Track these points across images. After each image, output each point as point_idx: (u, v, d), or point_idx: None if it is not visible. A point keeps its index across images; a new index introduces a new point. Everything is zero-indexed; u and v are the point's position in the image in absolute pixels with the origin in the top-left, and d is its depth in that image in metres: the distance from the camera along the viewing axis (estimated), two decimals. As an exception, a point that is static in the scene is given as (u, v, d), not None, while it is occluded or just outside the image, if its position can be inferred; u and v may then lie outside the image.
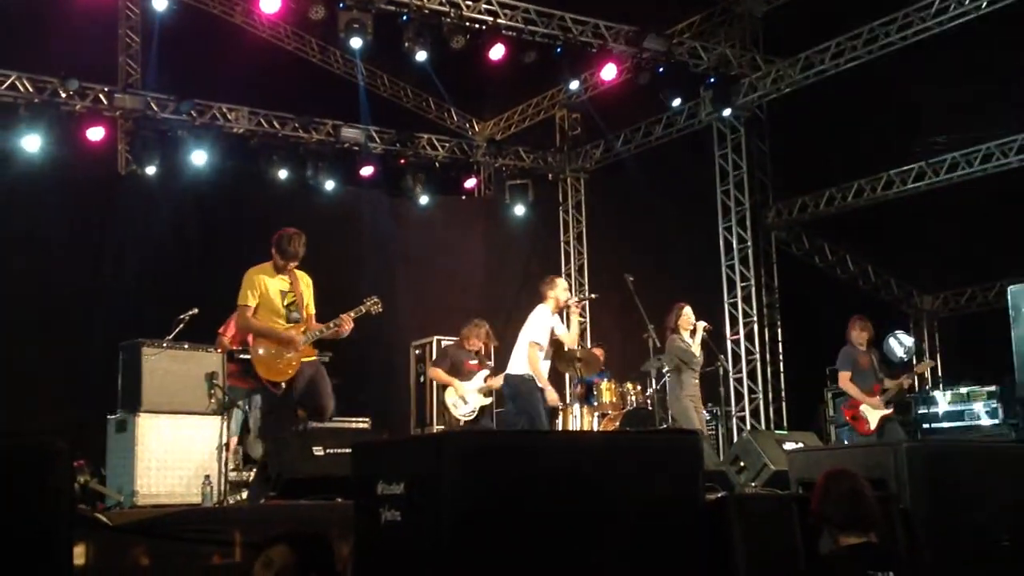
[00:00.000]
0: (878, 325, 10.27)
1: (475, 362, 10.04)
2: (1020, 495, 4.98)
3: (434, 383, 11.60)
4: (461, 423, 9.77)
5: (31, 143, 11.76)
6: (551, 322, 8.84)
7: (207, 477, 7.16)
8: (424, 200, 14.56)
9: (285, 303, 7.23)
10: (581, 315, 9.17)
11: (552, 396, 8.80)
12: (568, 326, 9.01)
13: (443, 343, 11.78)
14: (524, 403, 8.69)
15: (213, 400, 7.56)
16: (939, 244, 13.89)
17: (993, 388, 11.88)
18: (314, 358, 7.33)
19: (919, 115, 12.83)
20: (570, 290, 8.93)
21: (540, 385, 8.68)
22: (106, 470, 7.71)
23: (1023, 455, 5.58)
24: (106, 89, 12.33)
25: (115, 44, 13.11)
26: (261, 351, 7.17)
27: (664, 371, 10.10)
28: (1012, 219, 12.44)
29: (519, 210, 15.36)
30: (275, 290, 7.22)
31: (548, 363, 8.96)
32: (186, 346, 8.00)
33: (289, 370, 7.17)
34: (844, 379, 9.81)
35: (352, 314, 7.43)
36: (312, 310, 7.41)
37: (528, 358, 8.74)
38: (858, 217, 14.12)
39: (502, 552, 3.65)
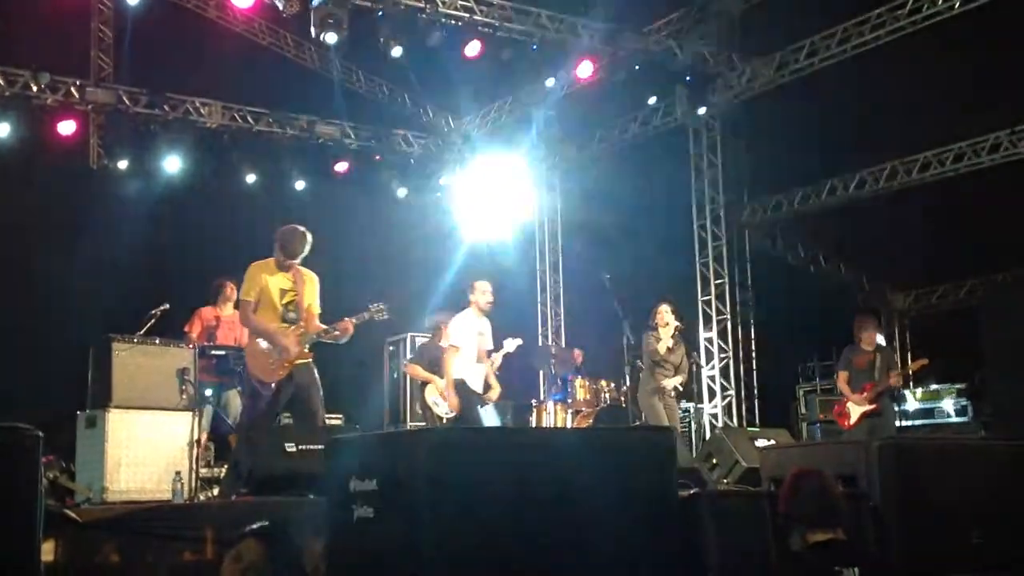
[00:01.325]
0: (850, 324, 10.35)
1: (451, 358, 10.02)
2: (989, 492, 5.03)
3: (408, 379, 11.58)
4: (444, 420, 9.74)
5: (1, 136, 11.64)
6: (476, 326, 8.81)
7: (178, 473, 7.12)
8: (399, 196, 14.51)
9: (283, 302, 7.16)
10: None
11: (452, 402, 8.85)
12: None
13: (417, 340, 11.76)
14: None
15: (184, 396, 7.51)
16: (911, 243, 13.99)
17: (963, 386, 11.98)
18: (308, 361, 7.25)
19: (892, 114, 12.90)
20: (492, 293, 8.91)
21: (471, 388, 8.73)
22: (75, 466, 7.64)
23: (992, 452, 5.63)
24: (78, 83, 12.21)
25: (87, 38, 13.00)
26: (261, 345, 7.13)
27: (638, 368, 10.14)
28: (983, 218, 12.56)
29: (494, 207, 15.32)
30: (275, 288, 7.15)
31: (481, 367, 8.89)
32: (157, 341, 7.94)
33: (280, 371, 7.12)
34: (840, 380, 10.04)
35: (355, 320, 7.38)
36: (316, 310, 7.34)
37: (444, 361, 8.80)
38: (832, 215, 14.20)
39: (475, 548, 3.65)
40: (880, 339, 10.35)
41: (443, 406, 9.80)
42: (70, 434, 7.75)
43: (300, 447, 6.43)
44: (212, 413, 9.03)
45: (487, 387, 9.06)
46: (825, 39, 12.04)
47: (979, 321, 10.13)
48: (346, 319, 7.32)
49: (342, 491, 3.99)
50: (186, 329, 9.46)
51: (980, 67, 11.70)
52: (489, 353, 9.07)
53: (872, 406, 9.70)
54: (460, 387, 8.74)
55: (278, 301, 7.15)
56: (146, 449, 7.44)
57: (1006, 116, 12.02)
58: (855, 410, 9.77)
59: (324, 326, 7.29)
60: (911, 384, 12.77)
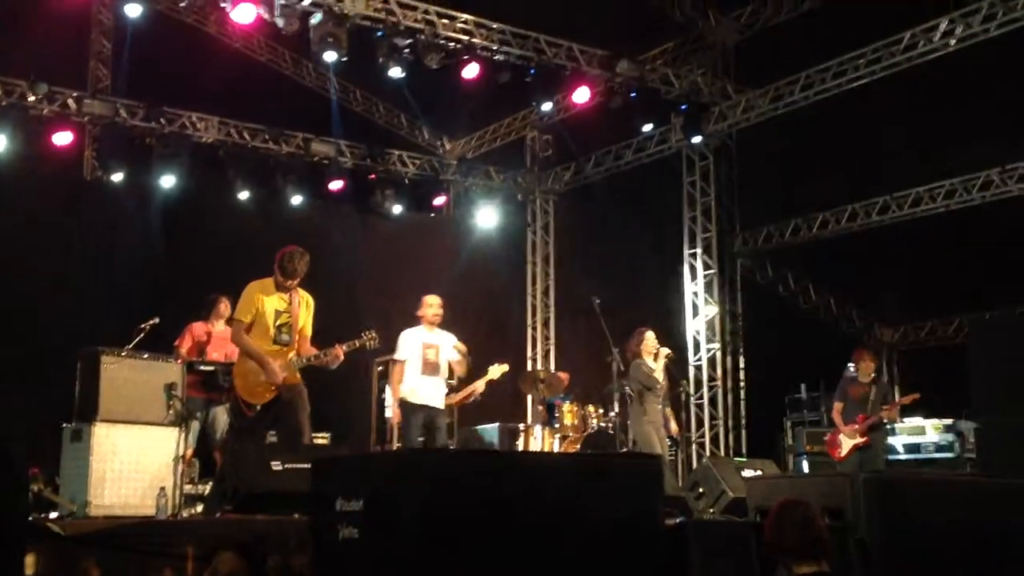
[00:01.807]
0: (838, 356, 10.39)
1: (437, 381, 10.01)
2: (975, 528, 5.03)
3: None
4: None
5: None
6: (422, 339, 8.83)
7: (162, 489, 7.08)
8: (393, 216, 14.53)
9: (277, 323, 7.19)
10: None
11: (395, 415, 8.97)
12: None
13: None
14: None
15: (171, 411, 7.48)
16: (901, 278, 14.05)
17: (950, 421, 12.00)
18: (296, 383, 7.25)
19: (885, 149, 13.00)
20: (441, 307, 9.00)
21: (412, 403, 8.75)
22: (60, 479, 7.60)
23: (979, 488, 5.63)
24: (75, 94, 12.21)
25: (86, 49, 13.01)
26: (250, 364, 7.12)
27: (627, 395, 10.13)
28: (972, 255, 12.62)
29: (487, 230, 15.37)
30: (270, 309, 7.18)
31: (431, 379, 8.85)
32: (146, 356, 7.91)
33: (267, 394, 7.12)
34: (835, 410, 10.14)
35: (345, 347, 7.41)
36: (309, 332, 7.36)
37: (391, 375, 8.93)
38: (822, 248, 14.25)
39: (461, 571, 3.64)
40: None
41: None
42: (56, 446, 7.71)
43: (286, 465, 6.41)
44: (198, 429, 9.00)
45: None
46: (820, 72, 12.12)
47: (965, 357, 10.17)
48: (337, 346, 7.35)
49: (327, 511, 3.98)
50: (176, 344, 9.43)
51: (973, 104, 11.79)
52: (459, 370, 9.04)
53: (864, 439, 9.74)
54: (401, 403, 8.83)
55: (272, 323, 7.16)
56: (131, 464, 7.40)
57: (997, 154, 12.11)
58: (846, 442, 9.84)
59: (316, 350, 7.30)
60: (899, 418, 12.78)
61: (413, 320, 9.14)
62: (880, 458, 10.03)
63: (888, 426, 10.30)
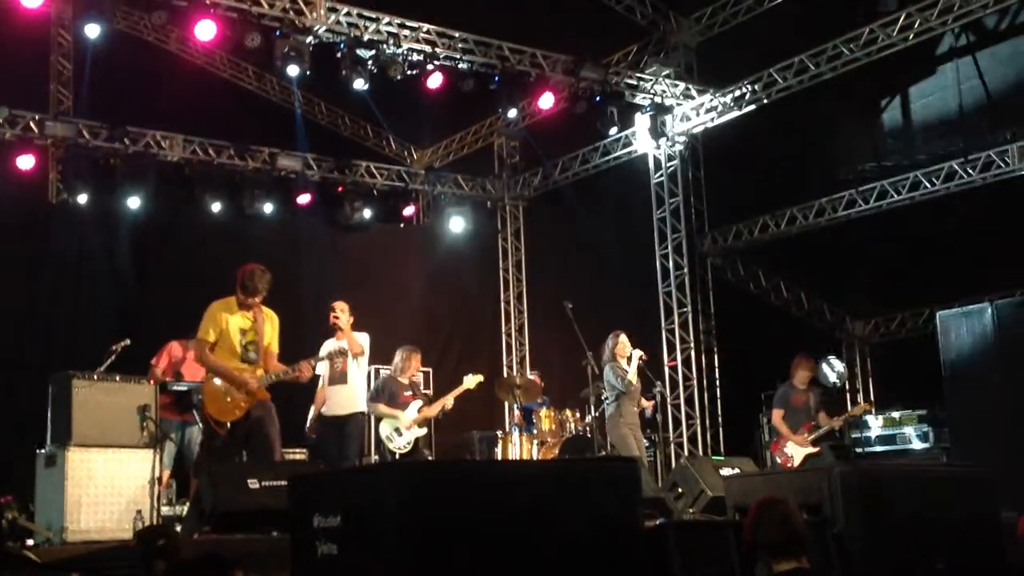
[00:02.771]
0: (811, 351, 10.44)
1: (409, 393, 9.94)
2: (952, 518, 5.07)
3: (371, 415, 11.49)
4: (396, 456, 9.65)
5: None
6: (328, 348, 8.72)
7: (139, 512, 7.04)
8: (362, 227, 14.49)
9: (243, 342, 7.18)
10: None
11: (309, 426, 9.11)
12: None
13: (382, 372, 11.69)
14: None
15: (145, 433, 7.44)
16: (870, 271, 14.14)
17: (924, 412, 12.08)
18: (265, 400, 7.24)
19: (850, 144, 13.09)
20: (332, 310, 8.82)
21: (325, 416, 8.86)
22: (35, 506, 7.52)
23: (954, 478, 5.68)
24: (37, 117, 12.11)
25: (46, 71, 12.91)
26: (216, 384, 7.09)
27: (603, 398, 10.15)
28: (939, 246, 12.72)
29: (458, 238, 15.36)
30: (235, 327, 7.16)
31: (339, 388, 8.85)
32: (117, 378, 7.85)
33: (236, 411, 7.11)
34: (776, 416, 10.08)
35: (312, 361, 7.49)
36: (275, 349, 7.35)
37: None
38: (792, 244, 14.33)
39: (440, 584, 3.63)
40: (841, 365, 10.37)
41: (397, 440, 9.70)
42: (30, 472, 7.64)
43: (263, 483, 6.37)
44: (174, 450, 8.94)
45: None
46: (782, 70, 12.21)
47: (936, 348, 10.24)
48: (302, 361, 7.36)
49: (305, 527, 3.96)
50: (153, 362, 9.38)
51: (935, 96, 11.91)
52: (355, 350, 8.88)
53: (815, 449, 9.74)
54: (316, 419, 8.96)
55: (238, 341, 7.15)
56: (106, 487, 7.34)
57: (960, 144, 12.22)
58: (797, 452, 9.80)
59: (283, 366, 7.30)
60: (873, 411, 12.86)
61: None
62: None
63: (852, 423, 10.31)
